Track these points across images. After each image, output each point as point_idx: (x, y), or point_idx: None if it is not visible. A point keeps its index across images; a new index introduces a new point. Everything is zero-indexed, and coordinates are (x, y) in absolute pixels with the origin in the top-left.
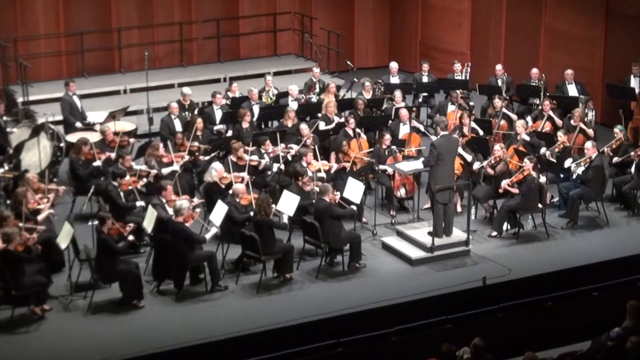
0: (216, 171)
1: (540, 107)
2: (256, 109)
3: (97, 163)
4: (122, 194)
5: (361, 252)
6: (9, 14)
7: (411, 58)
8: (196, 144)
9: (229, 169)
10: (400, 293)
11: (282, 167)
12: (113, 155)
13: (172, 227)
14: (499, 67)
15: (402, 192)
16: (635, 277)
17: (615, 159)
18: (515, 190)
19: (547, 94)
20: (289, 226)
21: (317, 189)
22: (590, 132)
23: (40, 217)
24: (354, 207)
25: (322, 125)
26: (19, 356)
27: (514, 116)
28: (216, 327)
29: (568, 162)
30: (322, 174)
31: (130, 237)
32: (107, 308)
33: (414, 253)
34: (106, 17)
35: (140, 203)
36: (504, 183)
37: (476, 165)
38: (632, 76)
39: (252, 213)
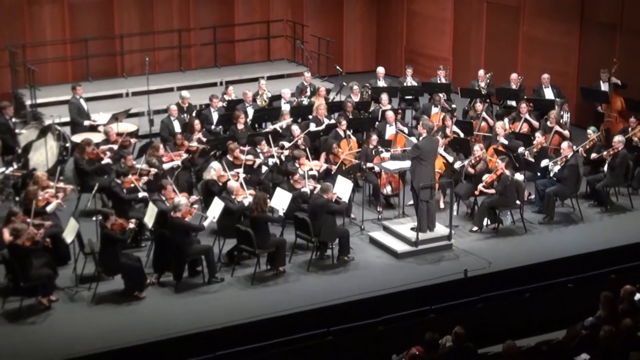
0: (215, 170)
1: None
2: (250, 111)
3: (106, 161)
4: (124, 191)
5: (350, 246)
6: (18, 21)
7: (397, 63)
8: (195, 144)
9: (225, 168)
10: (387, 285)
11: (278, 162)
12: (115, 147)
13: (171, 222)
14: (481, 72)
15: (388, 190)
16: (608, 269)
17: (594, 155)
18: (491, 191)
19: (525, 97)
20: (283, 220)
21: (310, 188)
22: (566, 133)
23: (49, 208)
24: (345, 200)
25: (312, 127)
26: (27, 345)
27: (491, 121)
28: (213, 317)
29: (544, 162)
30: (314, 172)
31: (131, 225)
32: (110, 299)
33: (400, 247)
34: (109, 24)
35: (142, 194)
36: (480, 186)
37: (457, 165)
38: (601, 82)
39: (246, 203)
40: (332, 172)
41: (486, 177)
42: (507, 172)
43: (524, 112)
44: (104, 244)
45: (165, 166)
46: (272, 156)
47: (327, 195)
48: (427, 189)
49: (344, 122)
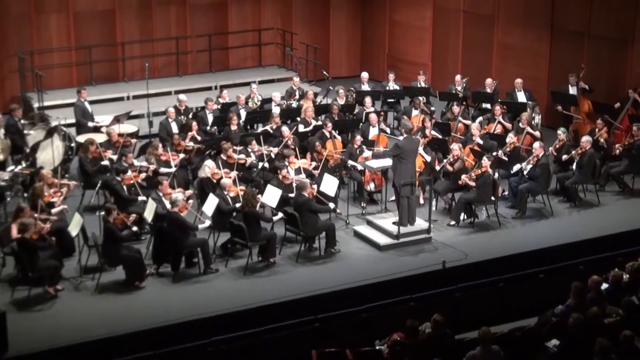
0: (209, 168)
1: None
2: (243, 113)
3: (105, 162)
4: (124, 187)
5: (336, 239)
6: (26, 29)
7: (380, 68)
8: (191, 144)
9: (219, 166)
10: (370, 275)
11: (267, 164)
12: (115, 156)
13: (169, 217)
14: (458, 77)
15: (371, 186)
16: (577, 261)
17: (565, 157)
18: (472, 184)
19: (499, 100)
20: (273, 221)
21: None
22: (537, 133)
23: (54, 211)
24: (332, 205)
25: (301, 128)
26: (35, 331)
27: (467, 122)
28: (208, 305)
29: (516, 167)
30: (302, 170)
31: (134, 228)
32: (112, 288)
33: (382, 240)
34: (111, 32)
35: (142, 198)
36: (464, 177)
37: (439, 166)
38: (569, 85)
39: (237, 205)
40: (317, 173)
41: (471, 171)
42: (490, 171)
43: (497, 114)
44: (106, 237)
45: (162, 171)
46: (262, 155)
47: (307, 192)
48: (408, 185)
49: (329, 124)
